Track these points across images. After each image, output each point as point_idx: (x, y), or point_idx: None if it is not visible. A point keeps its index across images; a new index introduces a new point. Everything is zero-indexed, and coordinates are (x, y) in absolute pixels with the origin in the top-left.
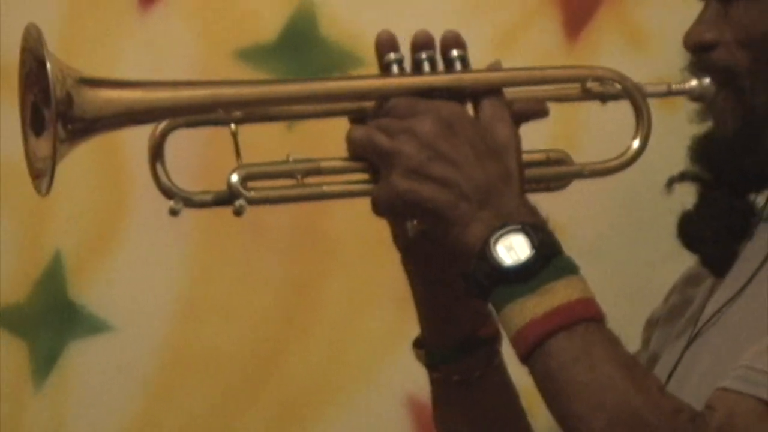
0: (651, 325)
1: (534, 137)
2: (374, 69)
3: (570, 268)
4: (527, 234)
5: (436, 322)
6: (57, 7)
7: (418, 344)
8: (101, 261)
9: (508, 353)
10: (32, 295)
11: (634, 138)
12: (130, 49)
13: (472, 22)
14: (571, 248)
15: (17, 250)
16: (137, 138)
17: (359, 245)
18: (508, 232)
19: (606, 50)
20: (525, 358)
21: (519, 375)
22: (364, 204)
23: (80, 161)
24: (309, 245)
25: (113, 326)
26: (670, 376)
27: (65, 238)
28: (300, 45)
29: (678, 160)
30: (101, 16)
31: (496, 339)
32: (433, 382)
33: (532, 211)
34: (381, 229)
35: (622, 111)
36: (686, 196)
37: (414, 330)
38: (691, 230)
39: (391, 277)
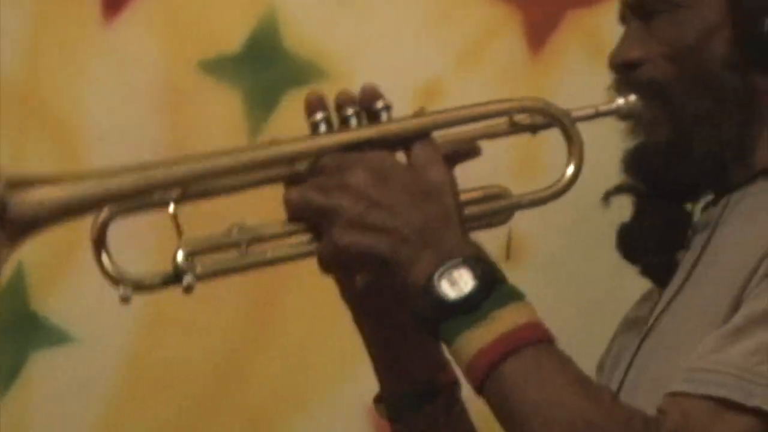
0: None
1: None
2: (338, 82)
3: (515, 295)
4: (469, 266)
5: (393, 374)
6: (21, 19)
7: (378, 399)
8: (63, 273)
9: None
10: None
11: (567, 165)
12: (94, 61)
13: (436, 35)
14: (530, 260)
15: None
16: (101, 150)
17: None
18: (450, 267)
19: (569, 61)
20: (479, 387)
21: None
22: None
23: (41, 166)
24: None
25: (75, 338)
26: (621, 384)
27: (27, 250)
28: (263, 57)
29: None
30: (65, 27)
31: (455, 385)
32: None
33: (474, 245)
34: None
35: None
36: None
37: None
38: (630, 241)
39: None
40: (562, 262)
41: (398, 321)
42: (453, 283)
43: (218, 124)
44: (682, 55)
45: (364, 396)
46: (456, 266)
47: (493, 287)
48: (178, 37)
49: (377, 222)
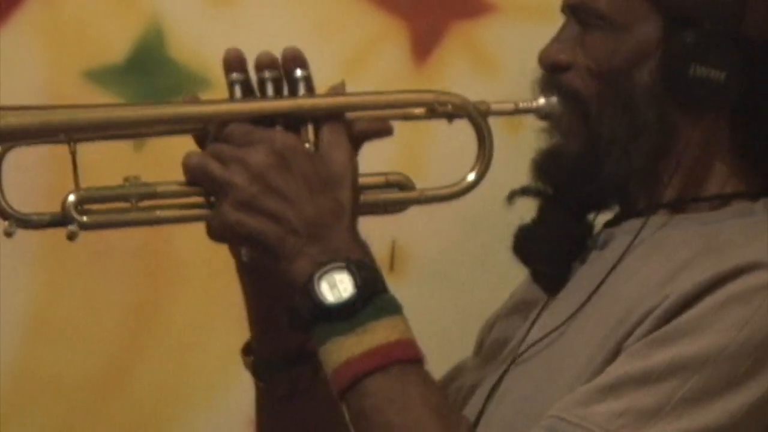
0: (487, 328)
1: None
2: (223, 92)
3: (392, 308)
4: (351, 272)
5: (265, 333)
6: None
7: (246, 351)
8: None
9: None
10: None
11: (473, 167)
12: None
13: (320, 44)
14: (414, 271)
15: None
16: None
17: (204, 268)
18: (332, 270)
19: (453, 73)
20: (341, 396)
21: None
22: None
23: None
24: (153, 267)
25: None
26: (488, 398)
27: None
28: (148, 66)
29: (525, 181)
30: None
31: None
32: (259, 391)
33: (361, 247)
34: (226, 251)
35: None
36: (530, 213)
37: None
38: (526, 245)
39: (235, 299)
40: (446, 273)
41: (277, 292)
42: (332, 287)
43: None
44: (607, 76)
45: (246, 404)
46: (338, 269)
47: (371, 297)
48: (63, 46)
49: (269, 208)
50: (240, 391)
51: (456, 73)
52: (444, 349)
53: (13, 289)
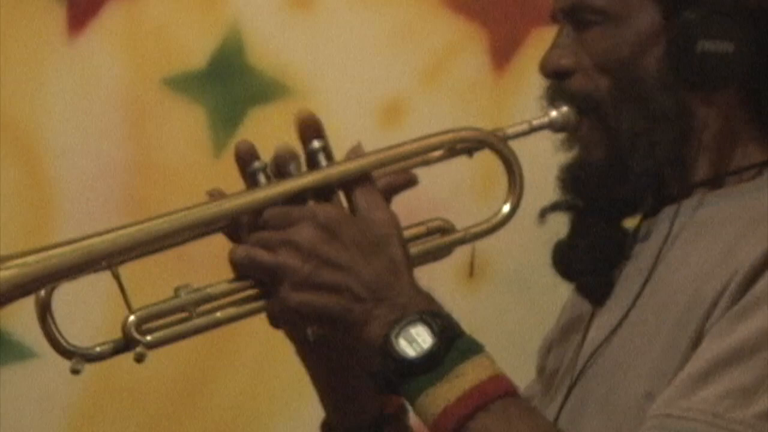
0: (545, 351)
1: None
2: (302, 99)
3: (474, 348)
4: (426, 322)
5: (340, 408)
6: None
7: (325, 428)
8: None
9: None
10: None
11: (507, 195)
12: (58, 76)
13: (400, 51)
14: (494, 276)
15: None
16: (64, 166)
17: None
18: (406, 325)
19: (534, 79)
20: None
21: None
22: None
23: (3, 181)
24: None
25: (40, 354)
26: (565, 400)
27: None
28: (227, 73)
29: None
30: (30, 43)
31: (402, 412)
32: None
33: (426, 296)
34: None
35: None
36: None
37: None
38: (565, 260)
39: None
40: (527, 277)
41: (346, 364)
42: (411, 341)
43: (182, 140)
44: (615, 70)
45: (323, 415)
46: (412, 323)
47: (452, 342)
48: (143, 53)
49: (328, 281)
50: (318, 402)
51: (535, 79)
52: (525, 355)
53: (96, 296)
